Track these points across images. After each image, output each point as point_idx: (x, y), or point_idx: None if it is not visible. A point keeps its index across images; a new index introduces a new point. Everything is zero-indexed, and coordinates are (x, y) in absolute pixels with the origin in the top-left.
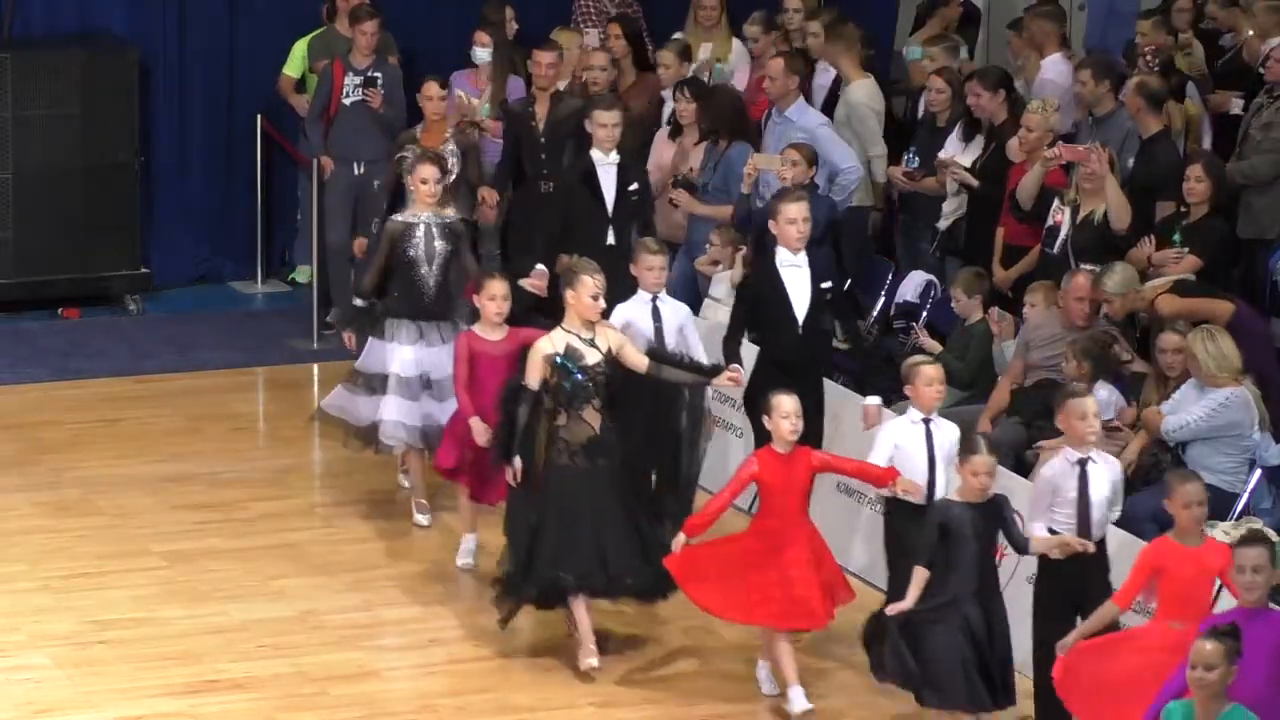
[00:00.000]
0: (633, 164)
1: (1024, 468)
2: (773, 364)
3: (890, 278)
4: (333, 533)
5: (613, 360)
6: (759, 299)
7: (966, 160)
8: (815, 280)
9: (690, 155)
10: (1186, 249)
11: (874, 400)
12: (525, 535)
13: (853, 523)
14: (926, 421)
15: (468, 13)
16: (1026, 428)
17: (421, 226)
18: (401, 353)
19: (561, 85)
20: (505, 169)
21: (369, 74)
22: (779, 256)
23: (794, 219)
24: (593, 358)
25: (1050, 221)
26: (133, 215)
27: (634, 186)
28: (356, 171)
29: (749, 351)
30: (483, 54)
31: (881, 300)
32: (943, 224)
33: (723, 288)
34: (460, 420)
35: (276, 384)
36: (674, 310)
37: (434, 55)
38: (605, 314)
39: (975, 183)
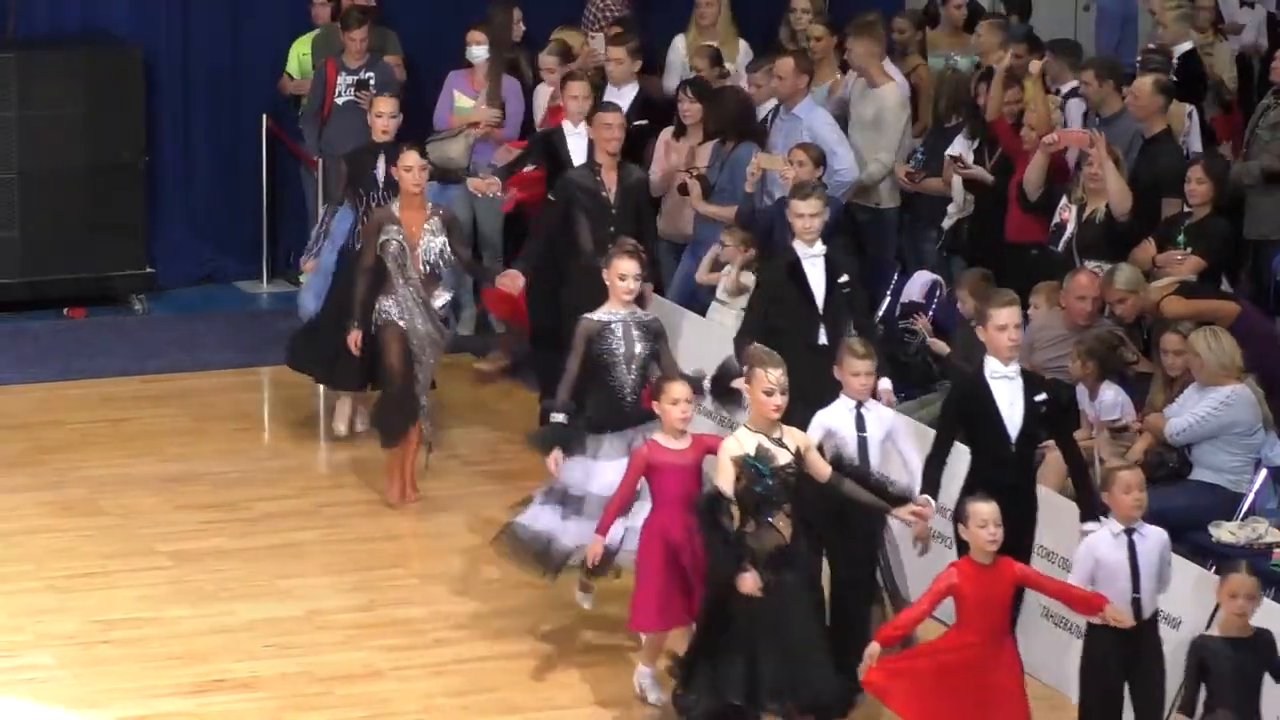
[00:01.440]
0: (840, 256)
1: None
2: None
3: (895, 278)
4: (338, 532)
5: (800, 461)
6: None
7: (971, 159)
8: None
9: (697, 156)
10: (1190, 249)
11: (885, 384)
12: (711, 654)
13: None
14: (1129, 532)
15: (473, 12)
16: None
17: (619, 325)
18: (603, 472)
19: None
20: (543, 246)
21: (361, 75)
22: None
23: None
24: (783, 458)
25: (1057, 219)
26: (138, 215)
27: (844, 279)
28: None
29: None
30: (479, 52)
31: (887, 300)
32: (947, 223)
33: (725, 286)
34: (654, 571)
35: (282, 384)
36: (880, 418)
37: (439, 56)
38: (802, 423)
39: (990, 178)
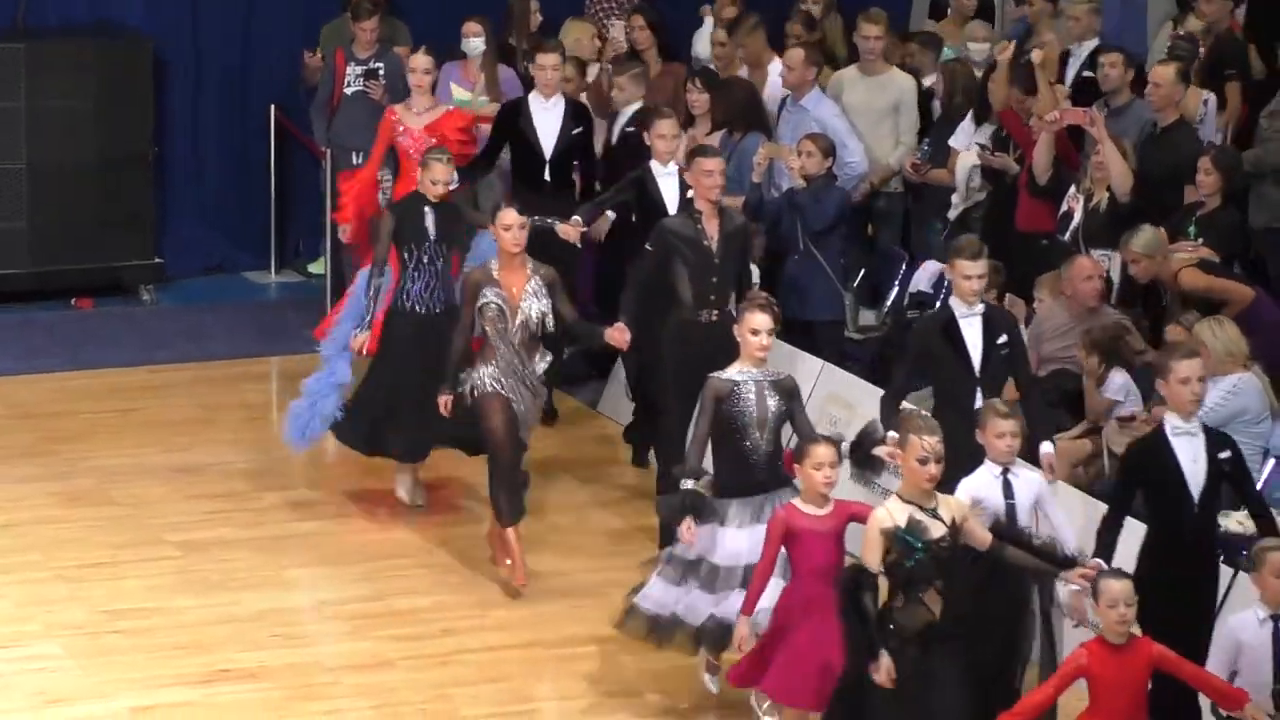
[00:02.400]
0: (999, 314)
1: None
2: None
3: (904, 268)
4: (346, 523)
5: (957, 533)
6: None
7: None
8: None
9: None
10: (1200, 240)
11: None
12: None
13: None
14: (1275, 619)
15: (483, 3)
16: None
17: (751, 385)
18: (731, 539)
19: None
20: (639, 295)
21: (370, 65)
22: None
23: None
24: (937, 531)
25: (1064, 208)
26: (147, 206)
27: (1003, 339)
28: (355, 161)
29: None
30: (475, 44)
31: (895, 290)
32: (952, 214)
33: None
34: (792, 643)
35: (290, 374)
36: (1028, 483)
37: (449, 46)
38: (949, 488)
39: (1016, 167)
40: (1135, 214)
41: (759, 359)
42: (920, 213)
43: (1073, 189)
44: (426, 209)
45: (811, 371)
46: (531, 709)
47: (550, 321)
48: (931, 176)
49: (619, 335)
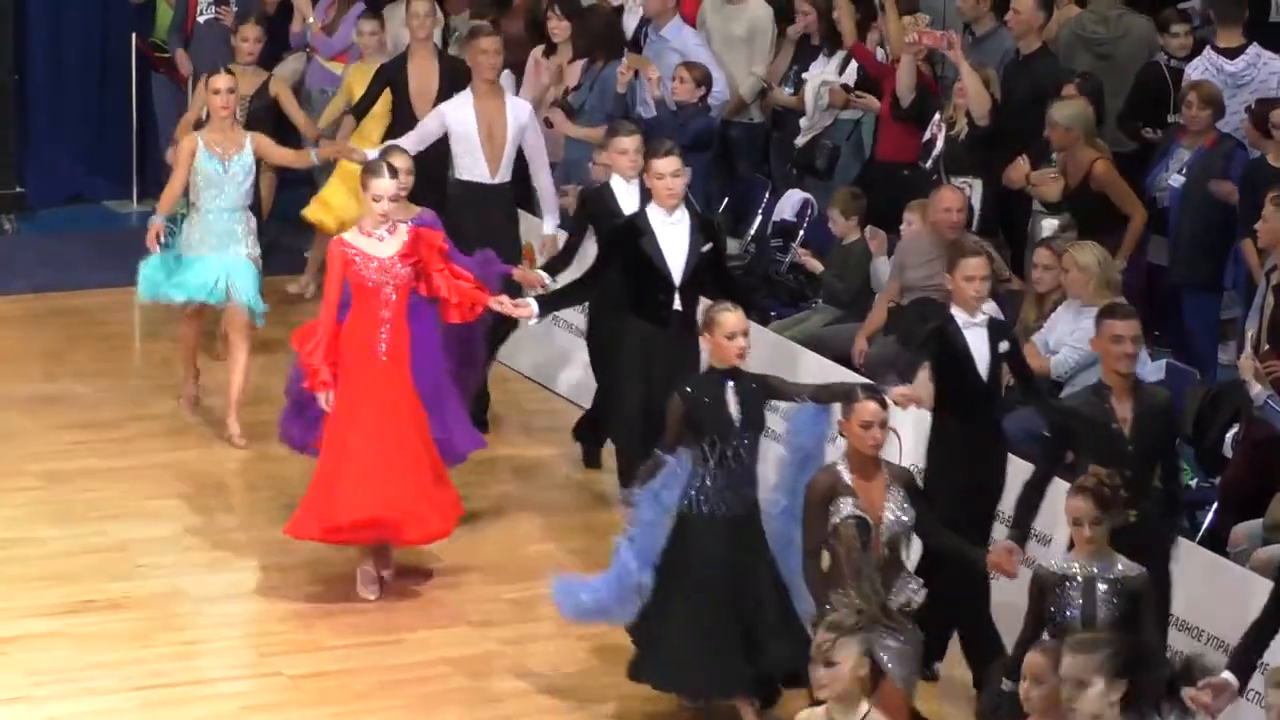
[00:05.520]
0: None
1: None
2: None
3: (766, 197)
4: (210, 453)
5: None
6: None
7: (832, 75)
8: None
9: (565, 74)
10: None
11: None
12: None
13: None
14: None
15: None
16: (904, 345)
17: (1080, 582)
18: None
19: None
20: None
21: None
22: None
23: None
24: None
25: (927, 135)
26: (7, 135)
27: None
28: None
29: None
30: None
31: (759, 219)
32: (800, 140)
33: None
34: None
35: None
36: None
37: None
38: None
39: (878, 104)
40: (994, 139)
41: (1088, 549)
42: (781, 142)
43: (936, 116)
44: (727, 385)
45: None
46: (396, 639)
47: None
48: (787, 101)
49: None
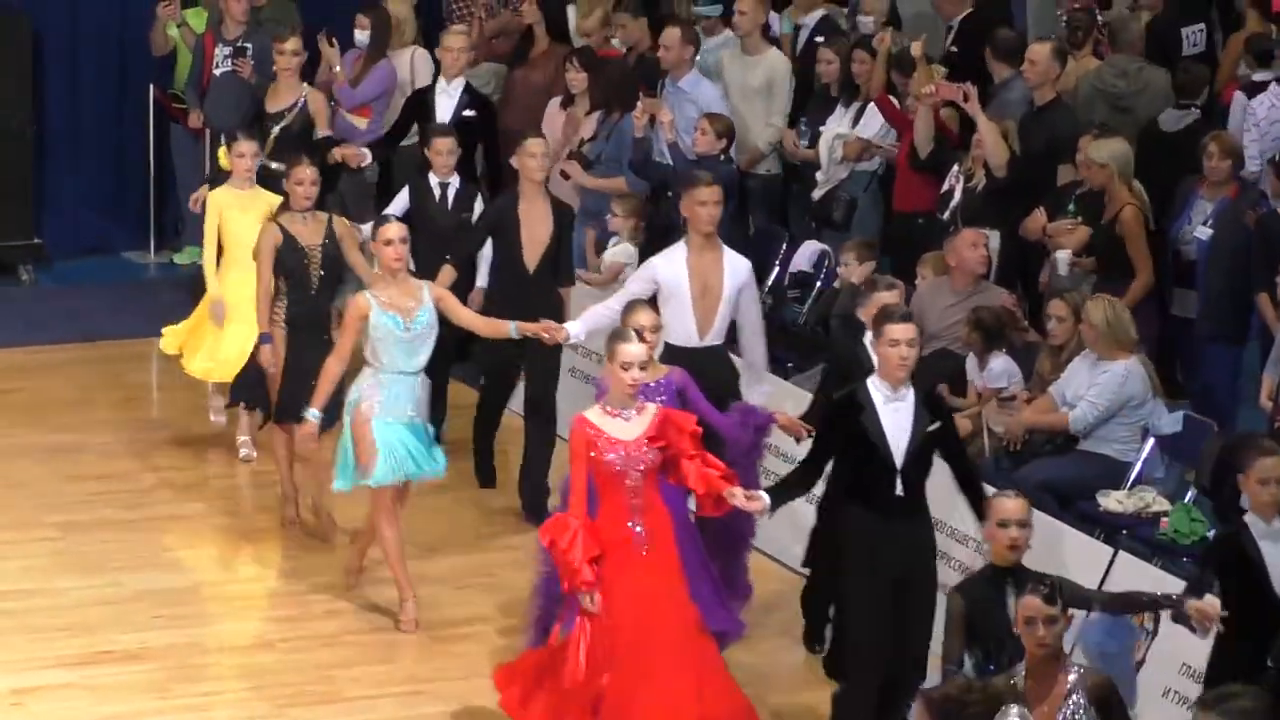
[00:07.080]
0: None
1: None
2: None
3: (784, 248)
4: (227, 504)
5: None
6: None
7: (845, 128)
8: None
9: (582, 126)
10: (1080, 219)
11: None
12: None
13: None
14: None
15: None
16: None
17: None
18: None
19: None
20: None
21: (238, 44)
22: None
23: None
24: None
25: (945, 187)
26: (25, 185)
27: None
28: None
29: None
30: (360, 37)
31: (775, 271)
32: (817, 193)
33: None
34: None
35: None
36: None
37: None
38: None
39: (894, 152)
40: (1011, 191)
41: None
42: (799, 194)
43: (955, 168)
44: None
45: None
46: (415, 690)
47: None
48: (805, 155)
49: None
